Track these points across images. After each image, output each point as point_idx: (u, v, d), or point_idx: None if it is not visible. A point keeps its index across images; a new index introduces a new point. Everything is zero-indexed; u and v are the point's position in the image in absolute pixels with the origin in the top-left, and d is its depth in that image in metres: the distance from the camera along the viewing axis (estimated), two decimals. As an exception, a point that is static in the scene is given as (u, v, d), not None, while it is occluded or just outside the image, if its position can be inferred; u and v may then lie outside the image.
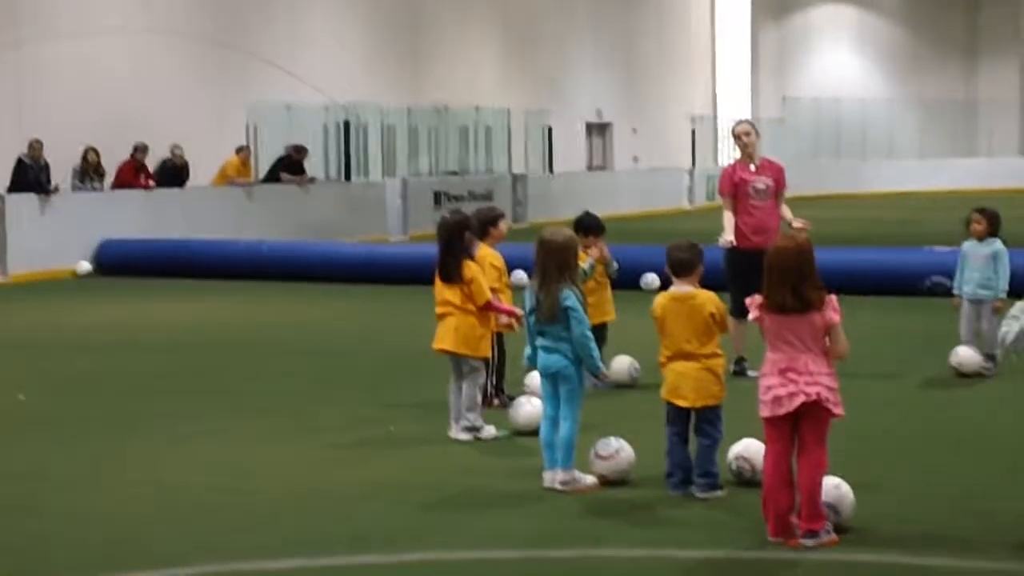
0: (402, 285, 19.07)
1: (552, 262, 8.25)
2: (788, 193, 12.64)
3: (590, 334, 8.25)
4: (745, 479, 7.98)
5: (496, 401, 10.55)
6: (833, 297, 7.11)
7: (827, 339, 7.07)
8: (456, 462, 9.03)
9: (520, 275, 14.90)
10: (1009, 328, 6.65)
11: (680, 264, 8.06)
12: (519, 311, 9.77)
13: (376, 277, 20.62)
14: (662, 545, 7.03)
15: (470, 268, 9.72)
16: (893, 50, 58.05)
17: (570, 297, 8.14)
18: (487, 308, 9.71)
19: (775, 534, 6.99)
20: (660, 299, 8.07)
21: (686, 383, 7.92)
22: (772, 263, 7.17)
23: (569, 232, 8.59)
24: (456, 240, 9.84)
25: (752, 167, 12.35)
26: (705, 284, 8.11)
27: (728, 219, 12.29)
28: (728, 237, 12.14)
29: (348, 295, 19.63)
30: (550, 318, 8.19)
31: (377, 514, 7.76)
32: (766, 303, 7.13)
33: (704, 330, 7.88)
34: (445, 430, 9.72)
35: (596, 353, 8.29)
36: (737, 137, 12.49)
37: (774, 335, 7.13)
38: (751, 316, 7.25)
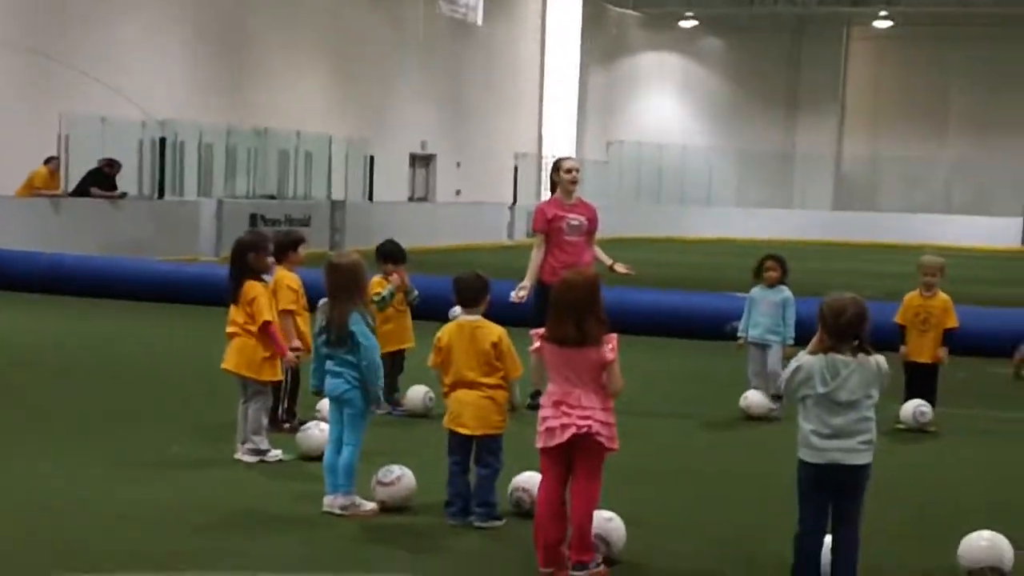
0: (207, 305, 18.87)
1: (340, 285, 8.33)
2: (610, 234, 12.84)
3: (379, 361, 8.32)
4: (524, 510, 8.07)
5: (286, 425, 10.54)
6: (613, 336, 7.18)
7: (604, 375, 7.18)
8: (238, 484, 8.98)
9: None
10: (783, 382, 6.87)
11: (467, 293, 8.17)
12: (290, 348, 9.92)
13: (182, 296, 20.35)
14: (433, 572, 7.08)
15: (253, 288, 9.71)
16: (716, 100, 59.27)
17: (357, 320, 8.21)
18: (265, 331, 9.70)
19: (545, 565, 7.08)
20: (446, 327, 8.18)
21: (467, 411, 8.02)
22: (558, 296, 7.26)
23: (357, 256, 8.65)
24: (240, 261, 9.85)
25: (567, 204, 12.54)
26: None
27: (535, 260, 12.44)
28: (521, 293, 12.28)
29: (149, 313, 19.36)
30: (338, 341, 8.26)
31: (151, 534, 7.69)
32: (547, 335, 7.22)
33: (485, 359, 7.98)
34: (232, 452, 9.68)
35: (381, 382, 8.38)
36: (568, 171, 12.63)
37: (553, 368, 7.22)
38: (532, 347, 7.33)
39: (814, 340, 6.78)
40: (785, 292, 12.47)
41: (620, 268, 12.64)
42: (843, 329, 6.61)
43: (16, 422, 11.02)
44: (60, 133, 28.08)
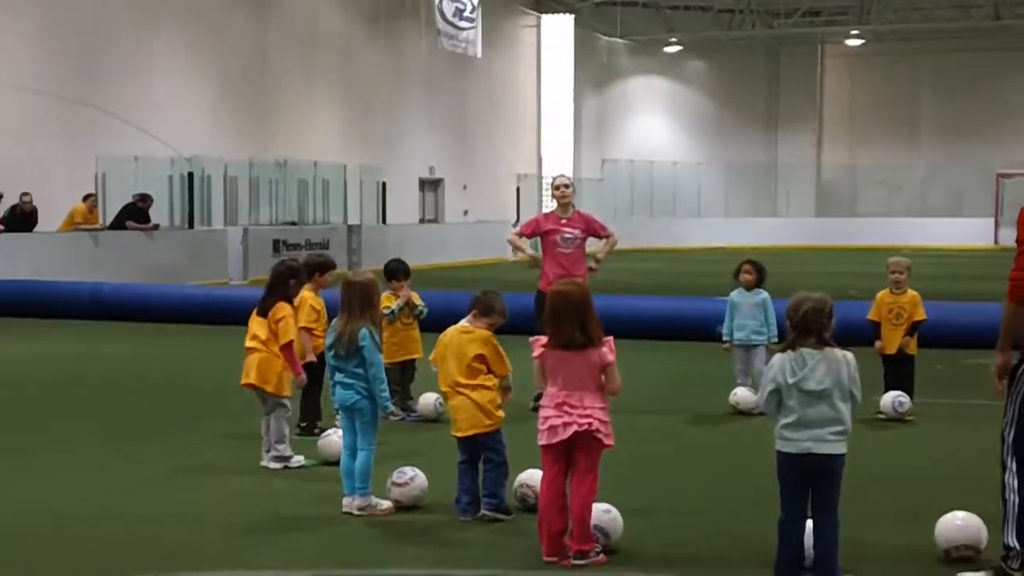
0: (236, 325, 18.86)
1: (355, 300, 8.37)
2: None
3: (383, 375, 8.33)
4: (529, 505, 8.05)
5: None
6: (610, 338, 7.23)
7: (603, 377, 7.19)
8: (264, 488, 8.99)
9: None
10: (759, 397, 6.87)
11: (472, 304, 8.20)
12: (306, 362, 10.12)
13: (213, 318, 20.35)
14: (445, 564, 7.09)
15: (283, 309, 9.75)
16: (702, 119, 59.16)
17: (366, 337, 8.24)
18: (287, 349, 9.71)
19: (549, 554, 7.09)
20: (448, 331, 8.19)
21: (459, 415, 8.06)
22: (558, 305, 7.28)
23: (371, 276, 8.68)
24: (281, 283, 9.91)
25: (564, 219, 12.61)
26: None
27: (522, 242, 12.85)
28: (532, 252, 12.74)
29: (184, 334, 19.40)
30: (348, 353, 8.27)
31: (183, 535, 7.70)
32: (550, 342, 7.23)
33: (469, 364, 7.99)
34: (258, 460, 9.68)
35: (386, 392, 8.36)
36: (556, 188, 12.78)
37: (554, 371, 7.24)
38: (534, 354, 7.34)
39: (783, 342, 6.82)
40: (763, 294, 12.47)
41: (591, 264, 12.76)
42: (803, 321, 6.59)
43: (57, 435, 11.03)
44: (97, 172, 28.23)
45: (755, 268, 12.55)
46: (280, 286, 9.91)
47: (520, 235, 12.95)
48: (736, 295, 12.59)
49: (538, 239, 12.83)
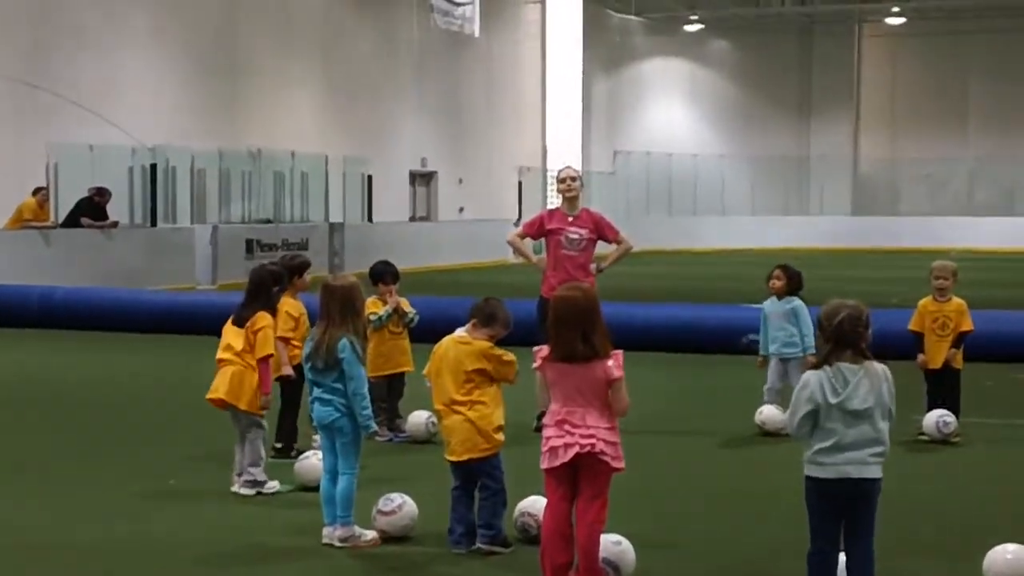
0: (203, 335, 18.85)
1: (335, 307, 8.36)
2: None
3: (365, 391, 8.32)
4: (530, 536, 8.04)
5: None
6: (619, 352, 7.19)
7: (609, 393, 7.17)
8: (236, 517, 9.00)
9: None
10: (789, 420, 6.84)
11: (471, 312, 8.19)
12: (283, 375, 10.24)
13: (177, 327, 20.33)
14: (437, 602, 7.10)
15: (263, 319, 9.76)
16: (726, 106, 59.16)
17: (346, 348, 8.24)
18: (263, 363, 9.72)
19: (552, 590, 7.09)
20: (444, 341, 8.19)
21: (453, 437, 8.05)
22: (560, 312, 7.24)
23: (354, 280, 8.66)
24: (262, 290, 9.93)
25: (570, 217, 12.51)
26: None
27: (523, 244, 12.79)
28: (535, 256, 12.67)
29: (146, 344, 19.39)
30: (326, 365, 8.28)
31: (144, 569, 7.73)
32: (551, 353, 7.22)
33: (466, 379, 7.99)
34: (229, 484, 9.68)
35: (368, 410, 8.34)
36: (562, 181, 12.65)
37: (555, 386, 7.22)
38: (534, 366, 7.32)
39: (817, 356, 6.80)
40: (794, 302, 12.38)
41: (592, 268, 12.63)
42: (838, 331, 6.58)
43: (8, 458, 11.03)
44: (48, 162, 28.13)
45: (786, 274, 12.49)
46: (261, 294, 9.91)
47: (521, 236, 12.88)
48: (768, 304, 12.57)
49: (543, 240, 12.76)
